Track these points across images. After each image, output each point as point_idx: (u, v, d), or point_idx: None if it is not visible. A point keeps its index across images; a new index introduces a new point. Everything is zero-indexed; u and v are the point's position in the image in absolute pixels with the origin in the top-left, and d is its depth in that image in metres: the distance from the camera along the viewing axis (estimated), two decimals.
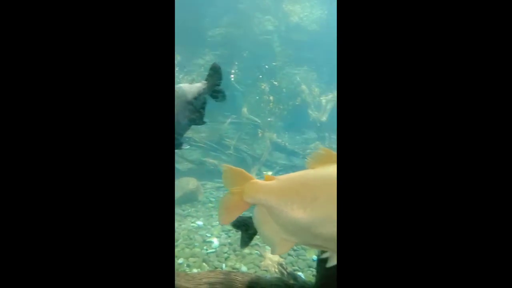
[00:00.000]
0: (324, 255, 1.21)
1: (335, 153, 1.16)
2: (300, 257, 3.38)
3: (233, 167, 1.36)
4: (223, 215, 1.37)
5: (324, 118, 7.04)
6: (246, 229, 1.75)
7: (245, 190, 1.31)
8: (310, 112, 7.19)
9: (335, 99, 7.51)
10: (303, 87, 7.89)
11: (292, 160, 6.75)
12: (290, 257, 3.38)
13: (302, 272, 3.07)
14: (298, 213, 1.17)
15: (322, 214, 1.14)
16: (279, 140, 6.71)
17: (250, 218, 1.50)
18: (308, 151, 6.51)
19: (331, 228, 1.08)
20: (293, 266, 3.22)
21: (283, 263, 3.18)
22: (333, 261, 1.14)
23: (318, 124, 6.99)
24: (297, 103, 7.86)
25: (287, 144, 6.86)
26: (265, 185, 1.30)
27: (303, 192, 1.19)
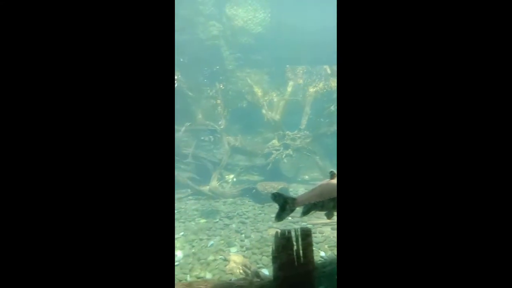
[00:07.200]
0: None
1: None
2: (264, 254, 3.47)
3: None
4: None
5: (278, 117, 7.25)
6: (283, 206, 2.21)
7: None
8: (264, 112, 7.34)
9: (287, 97, 7.79)
10: (256, 88, 8.05)
11: (253, 160, 6.83)
12: (254, 256, 3.47)
13: (266, 267, 3.16)
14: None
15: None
16: (237, 143, 6.73)
17: (293, 198, 2.24)
18: (266, 150, 6.65)
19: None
20: (258, 264, 3.30)
21: (248, 263, 3.24)
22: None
23: (273, 123, 7.18)
24: (248, 105, 7.99)
25: (246, 146, 6.92)
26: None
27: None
